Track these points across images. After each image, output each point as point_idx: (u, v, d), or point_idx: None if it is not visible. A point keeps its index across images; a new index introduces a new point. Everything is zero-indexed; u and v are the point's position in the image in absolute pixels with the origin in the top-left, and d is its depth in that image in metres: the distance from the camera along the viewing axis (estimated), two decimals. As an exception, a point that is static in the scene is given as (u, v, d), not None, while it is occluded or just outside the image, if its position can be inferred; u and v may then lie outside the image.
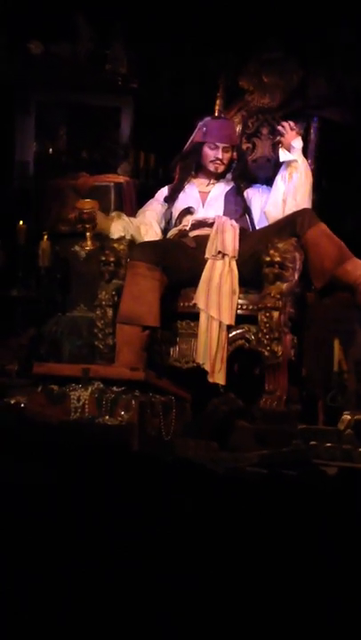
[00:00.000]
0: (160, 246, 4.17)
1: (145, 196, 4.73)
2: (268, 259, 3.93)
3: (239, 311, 4.03)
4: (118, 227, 4.26)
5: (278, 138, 4.30)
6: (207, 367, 3.95)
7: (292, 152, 4.21)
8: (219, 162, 4.35)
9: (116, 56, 5.41)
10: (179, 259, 4.11)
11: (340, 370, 3.87)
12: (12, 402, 3.94)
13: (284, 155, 4.23)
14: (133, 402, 3.61)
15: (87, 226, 4.19)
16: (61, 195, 4.89)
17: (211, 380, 3.95)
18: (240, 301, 4.04)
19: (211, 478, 2.52)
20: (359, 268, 3.98)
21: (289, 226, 4.06)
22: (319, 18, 4.73)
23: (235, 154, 4.43)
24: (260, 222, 4.33)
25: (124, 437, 3.52)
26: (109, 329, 4.15)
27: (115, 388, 3.67)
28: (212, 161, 4.36)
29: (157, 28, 5.28)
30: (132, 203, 4.79)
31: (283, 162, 4.23)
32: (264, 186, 4.40)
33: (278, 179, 4.25)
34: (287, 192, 4.18)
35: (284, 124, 4.26)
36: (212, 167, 4.37)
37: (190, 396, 3.86)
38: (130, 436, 3.54)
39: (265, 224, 4.28)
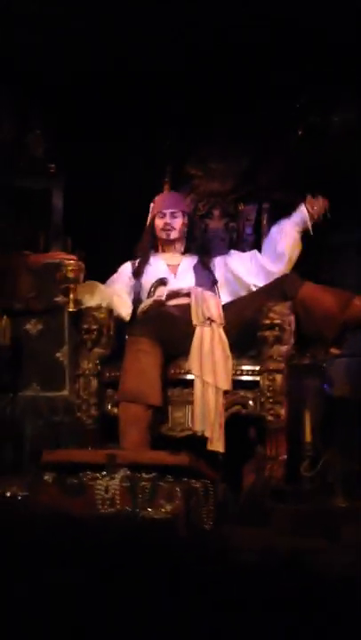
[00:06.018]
0: (156, 320, 4.06)
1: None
2: (267, 321, 3.88)
3: (235, 376, 3.92)
4: (94, 295, 4.12)
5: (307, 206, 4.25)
6: (208, 434, 3.81)
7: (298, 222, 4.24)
8: (168, 227, 4.37)
9: (34, 143, 5.57)
10: (170, 330, 4.01)
11: (310, 440, 3.86)
12: (8, 494, 3.49)
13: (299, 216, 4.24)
14: (178, 490, 3.21)
15: (71, 286, 3.97)
16: (13, 272, 4.68)
17: (210, 447, 3.80)
18: (238, 367, 3.94)
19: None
20: None
21: (276, 291, 4.04)
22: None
23: (185, 219, 4.43)
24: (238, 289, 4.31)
25: (172, 530, 3.10)
26: (94, 399, 3.96)
27: (144, 475, 3.26)
28: (162, 229, 4.38)
29: (85, 115, 5.31)
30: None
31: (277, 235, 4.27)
32: (230, 254, 4.41)
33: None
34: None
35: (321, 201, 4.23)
36: (163, 235, 4.38)
37: (219, 475, 3.60)
38: (177, 528, 3.12)
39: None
